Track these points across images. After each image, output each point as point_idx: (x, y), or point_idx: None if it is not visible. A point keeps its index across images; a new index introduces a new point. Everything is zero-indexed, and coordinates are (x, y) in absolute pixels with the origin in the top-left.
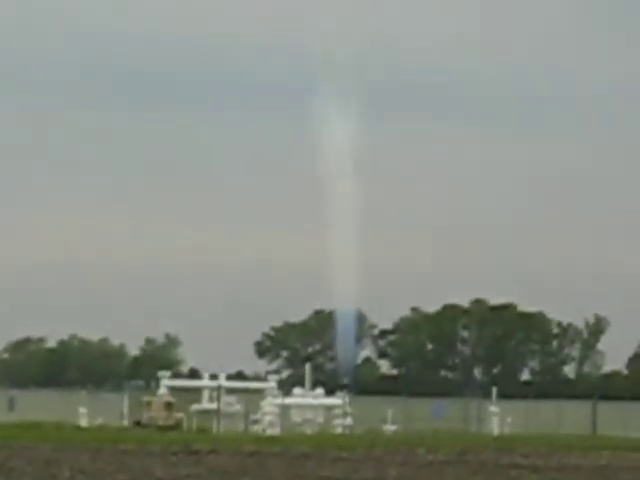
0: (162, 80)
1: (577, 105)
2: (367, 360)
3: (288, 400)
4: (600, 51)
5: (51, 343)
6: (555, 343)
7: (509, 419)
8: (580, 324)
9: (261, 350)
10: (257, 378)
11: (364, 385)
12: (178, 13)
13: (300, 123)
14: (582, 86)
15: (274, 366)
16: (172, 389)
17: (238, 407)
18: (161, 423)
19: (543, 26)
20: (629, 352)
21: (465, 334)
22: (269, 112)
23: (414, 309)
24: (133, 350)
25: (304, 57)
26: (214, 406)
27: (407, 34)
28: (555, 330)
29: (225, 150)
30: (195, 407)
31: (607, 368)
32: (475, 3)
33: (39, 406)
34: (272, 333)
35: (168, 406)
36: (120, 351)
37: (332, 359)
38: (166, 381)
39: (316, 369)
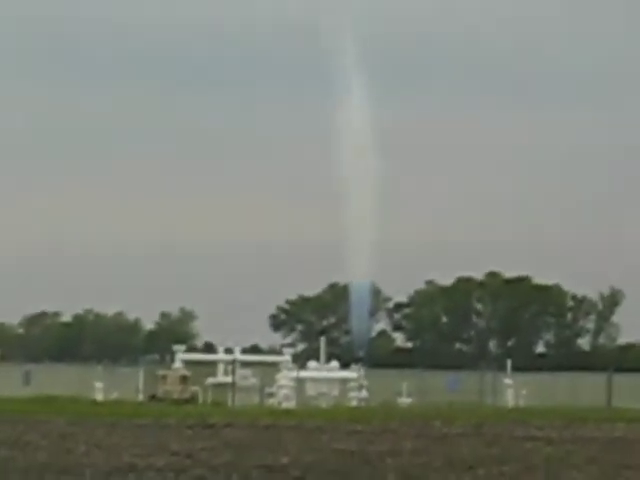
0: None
1: (572, 74)
2: (382, 333)
3: (303, 373)
4: None
5: (66, 317)
6: (570, 315)
7: (524, 391)
8: (595, 296)
9: (276, 324)
10: (272, 351)
11: (379, 358)
12: None
13: (319, 100)
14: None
15: (289, 339)
16: (187, 363)
17: (253, 380)
18: (176, 397)
19: None
20: None
21: (480, 307)
22: (288, 90)
23: (429, 282)
24: (148, 324)
25: (324, 33)
26: (229, 379)
27: (431, 10)
28: (570, 302)
29: (243, 129)
30: (210, 380)
31: (622, 340)
32: None
33: (54, 380)
34: (287, 306)
35: (183, 380)
36: (135, 325)
37: (347, 332)
38: (181, 355)
39: (331, 342)
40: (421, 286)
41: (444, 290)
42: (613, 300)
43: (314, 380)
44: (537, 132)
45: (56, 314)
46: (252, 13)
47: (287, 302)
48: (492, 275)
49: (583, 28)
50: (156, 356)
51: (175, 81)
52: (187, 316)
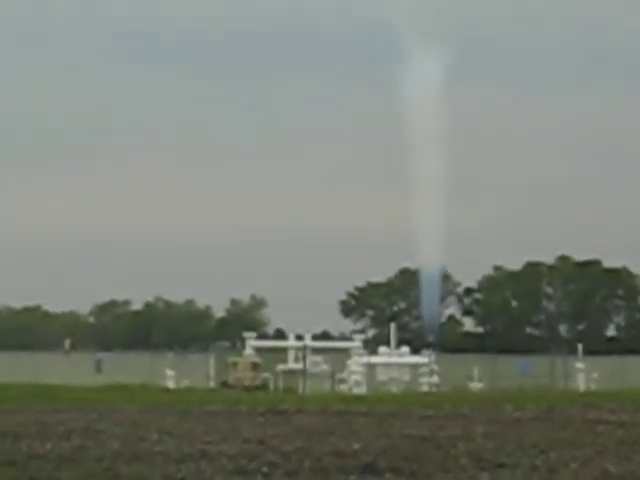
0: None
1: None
2: (451, 318)
3: (374, 359)
4: None
5: (137, 306)
6: None
7: (595, 375)
8: None
9: (346, 310)
10: (342, 338)
11: (449, 343)
12: None
13: (389, 86)
14: None
15: (359, 325)
16: (258, 350)
17: (324, 367)
18: (247, 384)
19: None
20: None
21: (550, 291)
22: (353, 80)
23: (497, 268)
24: (219, 311)
25: (387, 23)
26: (300, 366)
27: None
28: None
29: (313, 118)
30: (281, 367)
31: None
32: None
33: (126, 368)
34: (357, 292)
35: (254, 367)
36: (206, 313)
37: (417, 318)
38: (252, 342)
39: (401, 328)
40: (490, 271)
41: (513, 275)
42: None
43: (385, 366)
44: (604, 117)
45: (126, 302)
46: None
47: (356, 288)
48: (562, 259)
49: None
50: (227, 343)
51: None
52: (257, 303)
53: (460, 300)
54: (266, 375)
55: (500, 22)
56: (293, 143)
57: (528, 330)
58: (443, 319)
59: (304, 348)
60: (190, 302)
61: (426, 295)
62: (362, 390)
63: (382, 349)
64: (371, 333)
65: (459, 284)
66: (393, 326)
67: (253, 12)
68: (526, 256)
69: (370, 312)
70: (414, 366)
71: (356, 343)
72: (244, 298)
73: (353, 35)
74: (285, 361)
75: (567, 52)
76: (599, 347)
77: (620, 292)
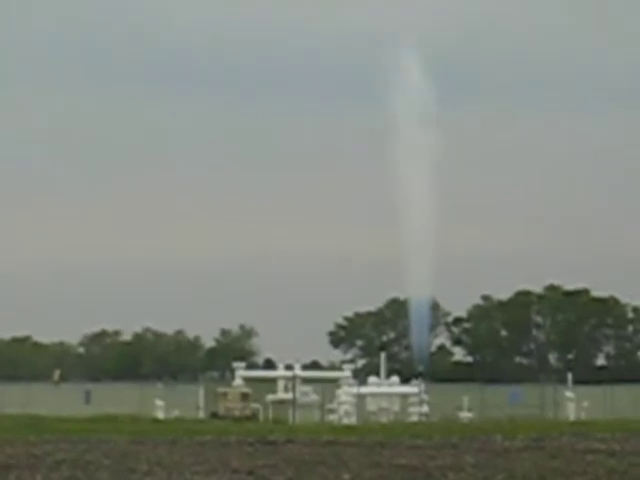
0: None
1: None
2: (441, 348)
3: (364, 389)
4: None
5: (126, 336)
6: (630, 328)
7: (585, 404)
8: None
9: (335, 340)
10: (332, 368)
11: (439, 373)
12: None
13: (376, 114)
14: None
15: (349, 355)
16: (247, 380)
17: (314, 397)
18: (237, 414)
19: None
20: None
21: (539, 320)
22: (337, 106)
23: (486, 297)
24: (208, 342)
25: (376, 43)
26: (290, 396)
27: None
28: (630, 314)
29: (297, 145)
30: (271, 397)
31: None
32: None
33: (115, 399)
34: (346, 323)
35: (244, 397)
36: (195, 343)
37: (407, 347)
38: (241, 372)
39: (391, 358)
40: (478, 301)
41: (502, 304)
42: None
43: (375, 396)
44: (597, 147)
45: (116, 333)
46: (303, 18)
47: (345, 318)
48: (551, 288)
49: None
50: (216, 373)
51: (226, 96)
52: (247, 333)
53: (449, 330)
54: (256, 405)
55: (489, 45)
56: (278, 172)
57: (517, 359)
58: (432, 349)
59: (294, 378)
60: (179, 332)
61: (415, 325)
62: (352, 420)
63: (372, 379)
64: (361, 363)
65: (448, 314)
66: (383, 356)
67: (236, 37)
68: (515, 285)
69: (359, 342)
70: (404, 396)
71: (346, 373)
72: (233, 328)
73: (337, 61)
74: (275, 391)
75: (557, 74)
76: (589, 376)
77: (609, 321)
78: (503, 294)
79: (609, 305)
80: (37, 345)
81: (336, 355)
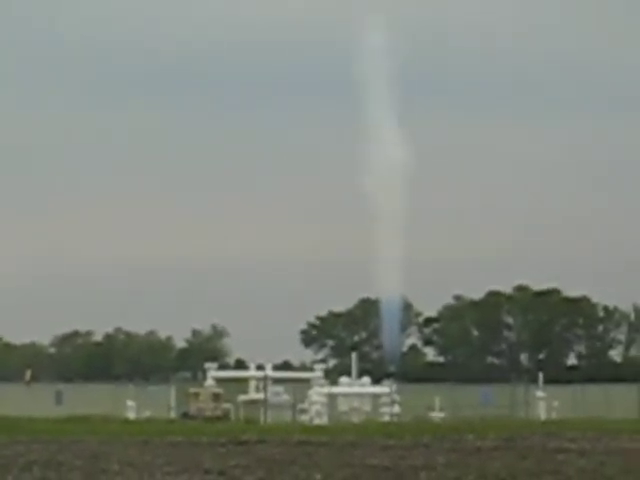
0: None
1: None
2: (413, 348)
3: (335, 389)
4: None
5: (97, 337)
6: (601, 327)
7: (556, 404)
8: (626, 308)
9: (307, 340)
10: (303, 368)
11: (410, 373)
12: None
13: (347, 115)
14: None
15: (320, 355)
16: (219, 380)
17: (285, 397)
18: (209, 414)
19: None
20: None
21: (510, 320)
22: (316, 106)
23: (457, 297)
24: (180, 342)
25: (342, 49)
26: (261, 396)
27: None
28: (601, 314)
29: (267, 144)
30: (242, 397)
31: None
32: None
33: (86, 400)
34: (317, 322)
35: (215, 397)
36: (167, 343)
37: (378, 347)
38: (213, 372)
39: (362, 358)
40: (450, 301)
41: (474, 304)
42: None
43: (346, 396)
44: (566, 146)
45: (87, 334)
46: (278, 28)
47: (317, 318)
48: (521, 288)
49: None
50: (188, 374)
51: (209, 97)
52: (218, 333)
53: (421, 330)
54: (227, 406)
55: (459, 54)
56: (251, 174)
57: (489, 359)
58: (404, 349)
59: (265, 378)
60: (151, 333)
61: (387, 325)
62: (323, 420)
63: (343, 379)
64: (332, 363)
65: (420, 314)
66: (354, 356)
67: (218, 44)
68: (486, 285)
69: (331, 342)
70: (375, 396)
71: (317, 373)
72: (205, 328)
73: (302, 62)
74: (246, 391)
75: (529, 83)
76: (560, 376)
77: (580, 321)
78: (474, 294)
79: (580, 305)
80: (8, 346)
81: (307, 355)
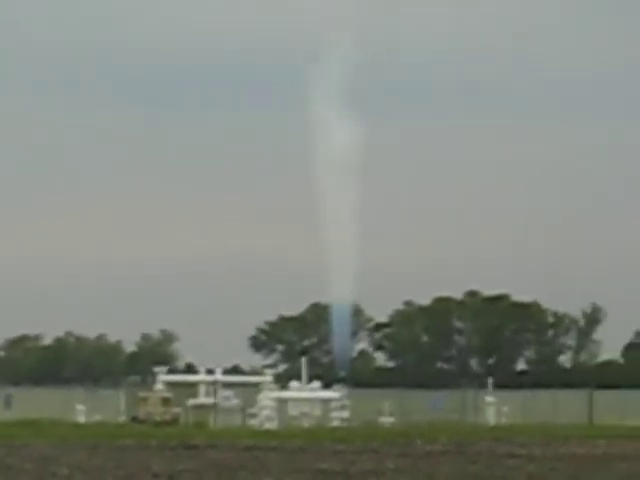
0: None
1: (560, 94)
2: (363, 353)
3: (285, 394)
4: None
5: (47, 340)
6: (550, 332)
7: (505, 409)
8: (576, 313)
9: (257, 344)
10: (254, 372)
11: (360, 378)
12: None
13: (298, 119)
14: (586, 84)
15: (270, 360)
16: (169, 384)
17: (235, 401)
18: (158, 418)
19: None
20: (625, 340)
21: (460, 325)
22: (264, 112)
23: (407, 302)
24: (129, 346)
25: (301, 53)
26: (211, 401)
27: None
28: (550, 319)
29: (221, 150)
30: (192, 402)
31: (603, 357)
32: None
33: (36, 403)
34: (267, 327)
35: (165, 401)
36: (116, 347)
37: (328, 352)
38: (162, 376)
39: (312, 363)
40: (400, 306)
41: (424, 310)
42: (594, 317)
43: (296, 400)
44: (517, 148)
45: (37, 337)
46: (239, 35)
47: (267, 323)
48: (471, 294)
49: (580, 42)
50: (138, 378)
51: (164, 101)
52: (168, 338)
53: (371, 335)
54: (177, 410)
55: (420, 52)
56: (201, 175)
57: (439, 365)
58: (354, 354)
59: (215, 383)
60: (101, 337)
61: (337, 330)
62: (273, 425)
63: (293, 384)
64: (282, 368)
65: (371, 319)
66: (304, 361)
67: (173, 47)
68: (436, 291)
69: (281, 347)
70: (325, 401)
71: (267, 378)
72: (154, 333)
73: (261, 63)
74: (196, 396)
75: (491, 82)
76: (509, 381)
77: (530, 326)
78: (425, 300)
79: (530, 310)
80: None
81: (257, 360)
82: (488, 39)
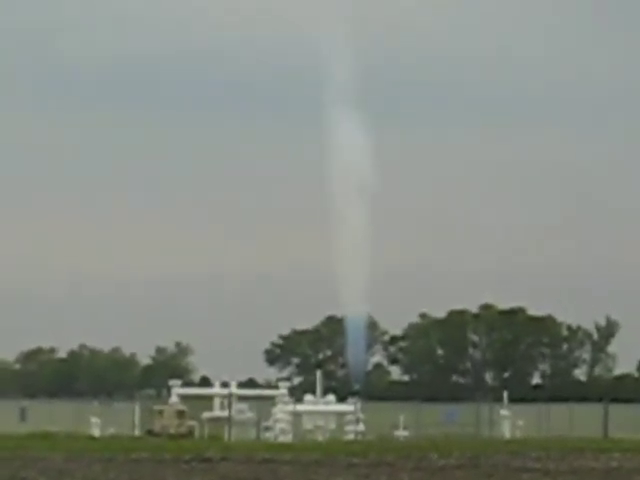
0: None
1: (569, 97)
2: (378, 366)
3: (300, 407)
4: None
5: (62, 353)
6: (565, 346)
7: (520, 423)
8: (590, 327)
9: (271, 357)
10: (268, 385)
11: (375, 391)
12: None
13: (309, 127)
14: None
15: (285, 373)
16: (183, 397)
17: (250, 415)
18: (173, 431)
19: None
20: None
21: (475, 339)
22: (277, 117)
23: (422, 315)
24: (144, 359)
25: (310, 63)
26: (226, 414)
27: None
28: (565, 333)
29: (229, 155)
30: (207, 415)
31: (618, 371)
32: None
33: (51, 416)
34: (282, 340)
35: (180, 414)
36: (131, 360)
37: (343, 366)
38: (177, 390)
39: (327, 376)
40: (415, 319)
41: (438, 323)
42: (609, 331)
43: (310, 414)
44: (528, 163)
45: (52, 350)
46: (248, 46)
47: (281, 336)
48: (486, 307)
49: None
50: (152, 391)
51: (174, 110)
52: (183, 351)
53: (386, 348)
54: (192, 423)
55: (421, 56)
56: (212, 186)
57: (454, 378)
58: (369, 367)
59: (230, 396)
60: (115, 350)
61: (352, 343)
62: (288, 438)
63: (308, 397)
64: (297, 381)
65: (385, 332)
66: (319, 374)
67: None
68: (452, 304)
69: (295, 360)
70: (340, 414)
71: (282, 391)
72: (169, 346)
73: (272, 72)
74: (211, 409)
75: (494, 95)
76: (524, 395)
77: (545, 340)
78: (440, 313)
79: (545, 324)
80: None
81: (272, 373)
82: (488, 41)
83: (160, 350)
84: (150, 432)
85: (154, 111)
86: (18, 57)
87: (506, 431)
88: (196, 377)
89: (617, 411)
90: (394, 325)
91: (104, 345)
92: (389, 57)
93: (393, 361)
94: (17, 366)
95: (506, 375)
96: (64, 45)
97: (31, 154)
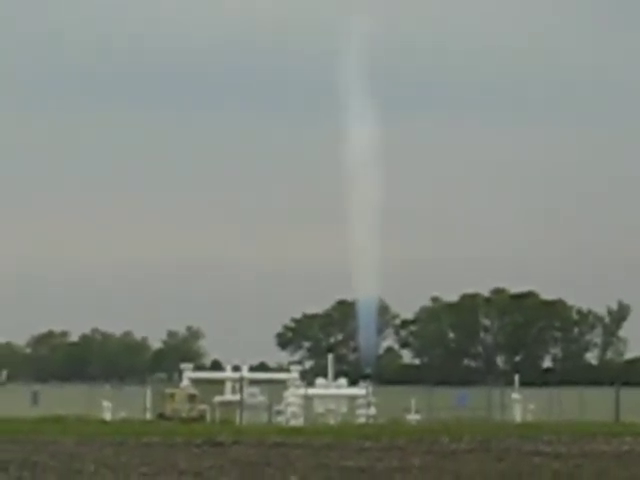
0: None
1: (570, 92)
2: (389, 350)
3: (311, 391)
4: None
5: (73, 337)
6: (576, 330)
7: (532, 406)
8: (601, 311)
9: (283, 341)
10: (280, 369)
11: (386, 375)
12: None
13: (325, 120)
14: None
15: (296, 357)
16: (195, 381)
17: (261, 398)
18: (184, 415)
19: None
20: None
21: (486, 322)
22: (287, 110)
23: (434, 299)
24: (155, 343)
25: (322, 53)
26: (237, 397)
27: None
28: (576, 317)
29: (242, 147)
30: (218, 399)
31: (630, 354)
32: None
33: (62, 400)
34: (293, 324)
35: (191, 398)
36: (142, 344)
37: (354, 349)
38: (189, 373)
39: (338, 359)
40: (427, 303)
41: (450, 306)
42: (620, 314)
43: (322, 397)
44: (541, 148)
45: (63, 334)
46: (258, 35)
47: (293, 320)
48: (498, 291)
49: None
50: (164, 375)
51: (190, 102)
52: (194, 334)
53: (397, 332)
54: (203, 407)
55: (435, 53)
56: (227, 174)
57: (465, 362)
58: (380, 351)
59: (241, 379)
60: (127, 334)
61: (363, 327)
62: (299, 422)
63: (319, 381)
64: (308, 365)
65: (397, 316)
66: (330, 358)
67: (189, 46)
68: (463, 288)
69: (307, 344)
70: (351, 398)
71: (293, 374)
72: (180, 330)
73: (283, 63)
74: (222, 393)
75: (505, 87)
76: (535, 378)
77: (556, 324)
78: (451, 296)
79: (556, 308)
80: None
81: (283, 357)
82: (490, 40)
83: (171, 334)
84: (161, 416)
85: (154, 111)
86: (18, 57)
87: (517, 415)
88: (207, 361)
89: (628, 395)
90: (405, 309)
91: (116, 329)
92: (389, 57)
93: (404, 345)
94: (28, 350)
95: (517, 359)
96: (64, 45)
97: (31, 154)
